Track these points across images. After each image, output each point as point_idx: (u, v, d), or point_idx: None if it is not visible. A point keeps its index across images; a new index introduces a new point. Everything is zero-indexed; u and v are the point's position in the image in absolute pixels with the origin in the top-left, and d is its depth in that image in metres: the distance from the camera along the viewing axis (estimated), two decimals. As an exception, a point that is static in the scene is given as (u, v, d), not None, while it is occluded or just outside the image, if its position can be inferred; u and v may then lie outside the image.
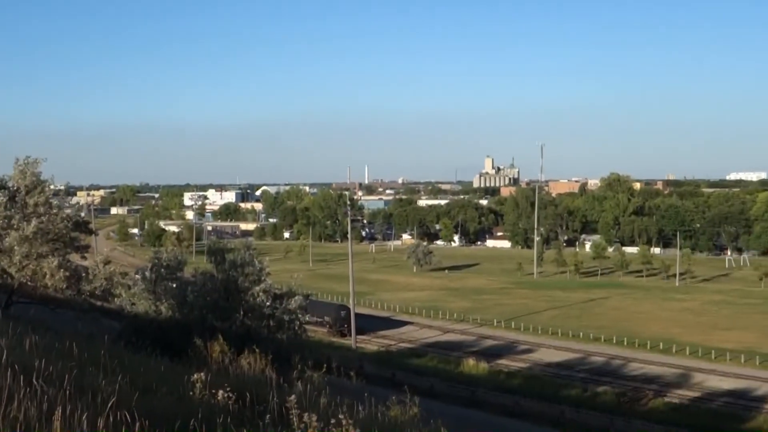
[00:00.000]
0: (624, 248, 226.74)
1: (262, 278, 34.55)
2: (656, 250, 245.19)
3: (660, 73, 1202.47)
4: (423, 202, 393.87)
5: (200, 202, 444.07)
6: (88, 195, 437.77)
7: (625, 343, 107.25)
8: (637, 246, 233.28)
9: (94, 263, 36.62)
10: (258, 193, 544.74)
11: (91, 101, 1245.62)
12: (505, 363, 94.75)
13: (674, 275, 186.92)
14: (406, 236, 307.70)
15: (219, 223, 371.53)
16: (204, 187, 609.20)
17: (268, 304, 33.71)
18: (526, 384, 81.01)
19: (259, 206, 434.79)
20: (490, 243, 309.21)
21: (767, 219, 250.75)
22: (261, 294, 33.56)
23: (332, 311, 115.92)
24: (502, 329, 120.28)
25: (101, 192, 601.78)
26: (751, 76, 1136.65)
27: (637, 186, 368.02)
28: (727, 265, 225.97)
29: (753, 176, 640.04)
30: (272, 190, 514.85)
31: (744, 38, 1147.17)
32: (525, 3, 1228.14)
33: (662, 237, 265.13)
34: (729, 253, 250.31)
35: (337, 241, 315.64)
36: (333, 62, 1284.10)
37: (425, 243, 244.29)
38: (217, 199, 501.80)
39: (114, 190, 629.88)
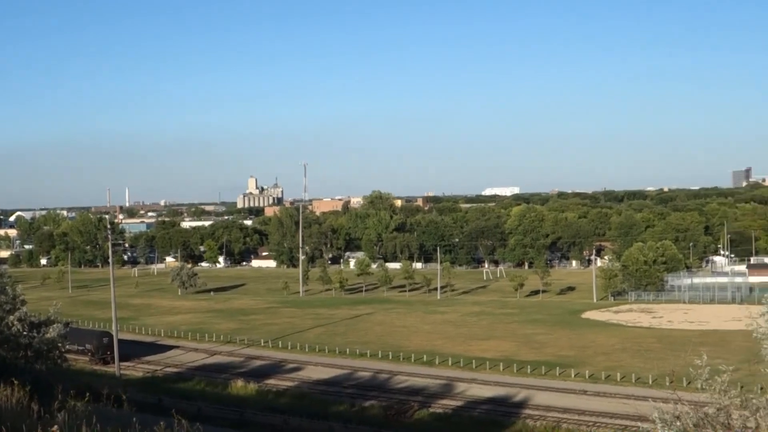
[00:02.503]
0: (387, 264, 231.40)
1: (17, 307, 33.12)
2: (418, 265, 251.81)
3: (416, 92, 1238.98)
4: (186, 224, 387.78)
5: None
6: None
7: (391, 357, 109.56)
8: (399, 261, 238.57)
9: None
10: (12, 218, 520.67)
11: None
12: (274, 382, 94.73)
13: (436, 289, 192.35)
14: (169, 259, 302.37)
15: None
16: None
17: (24, 333, 32.35)
18: (294, 402, 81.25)
19: (13, 232, 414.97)
20: (256, 263, 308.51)
21: (521, 232, 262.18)
22: (16, 323, 32.16)
23: (94, 338, 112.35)
24: (269, 349, 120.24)
25: None
26: (500, 97, 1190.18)
27: (399, 203, 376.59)
28: (485, 277, 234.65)
29: (507, 191, 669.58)
30: (27, 215, 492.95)
31: (492, 60, 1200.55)
32: (284, 22, 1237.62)
33: (423, 252, 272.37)
34: (486, 265, 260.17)
35: (98, 266, 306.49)
36: (89, 83, 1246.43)
37: (189, 265, 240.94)
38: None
39: None
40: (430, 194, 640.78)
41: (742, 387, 18.74)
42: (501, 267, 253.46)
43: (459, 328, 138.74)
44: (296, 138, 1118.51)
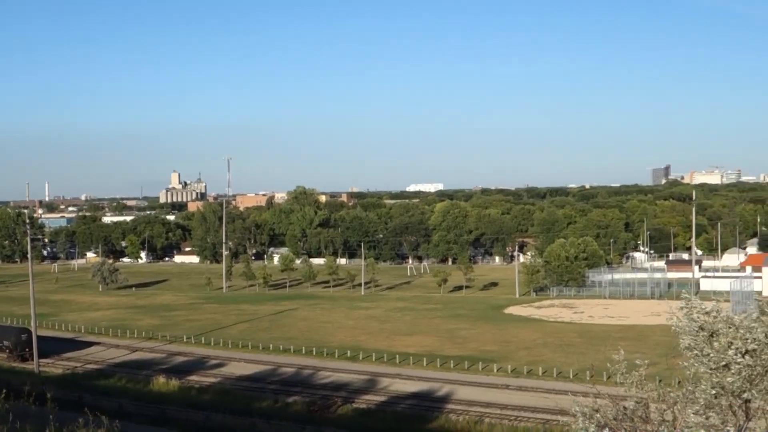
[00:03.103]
0: (311, 260, 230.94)
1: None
2: (342, 261, 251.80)
3: (341, 88, 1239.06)
4: (108, 219, 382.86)
5: None
6: None
7: (314, 353, 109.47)
8: (324, 257, 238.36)
9: None
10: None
11: None
12: (197, 379, 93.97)
13: (360, 284, 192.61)
14: (90, 254, 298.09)
15: None
16: None
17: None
18: (217, 399, 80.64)
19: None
20: (179, 258, 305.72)
21: (444, 228, 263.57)
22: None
23: (12, 335, 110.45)
24: (192, 345, 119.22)
25: None
26: (424, 94, 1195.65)
27: (323, 199, 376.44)
28: (408, 273, 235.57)
29: (431, 188, 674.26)
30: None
31: (418, 57, 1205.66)
32: (207, 20, 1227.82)
33: (348, 248, 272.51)
34: (410, 261, 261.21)
35: (17, 261, 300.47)
36: (6, 77, 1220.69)
37: (111, 261, 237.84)
38: None
39: None
40: (355, 190, 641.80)
41: (660, 381, 19.12)
42: (425, 263, 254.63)
43: (383, 324, 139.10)
44: (220, 133, 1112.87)
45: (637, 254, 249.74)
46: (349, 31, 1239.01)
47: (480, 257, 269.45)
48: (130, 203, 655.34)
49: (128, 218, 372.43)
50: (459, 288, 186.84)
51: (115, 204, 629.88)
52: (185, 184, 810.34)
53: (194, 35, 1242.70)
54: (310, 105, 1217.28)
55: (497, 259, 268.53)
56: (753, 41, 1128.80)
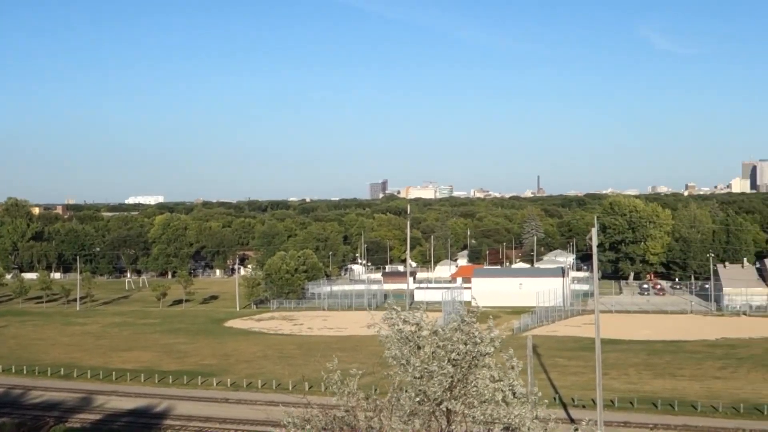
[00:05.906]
0: (23, 274, 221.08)
1: None
2: (57, 275, 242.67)
3: (54, 95, 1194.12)
4: None
5: None
6: None
7: (25, 372, 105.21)
8: (37, 272, 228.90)
9: None
10: None
11: None
12: None
13: (75, 299, 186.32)
14: None
15: None
16: None
17: None
18: None
19: None
20: None
21: (164, 241, 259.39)
22: None
23: None
24: None
25: None
26: (146, 105, 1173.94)
27: (36, 211, 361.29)
28: (127, 287, 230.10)
29: (151, 200, 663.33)
30: None
31: (133, 69, 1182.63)
32: None
33: (63, 262, 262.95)
34: (129, 275, 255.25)
35: None
36: None
37: None
38: None
39: None
40: (71, 202, 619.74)
41: (376, 390, 19.88)
42: (144, 276, 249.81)
43: (99, 340, 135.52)
44: None
45: (355, 266, 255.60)
46: (69, 37, 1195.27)
47: (200, 270, 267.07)
48: None
49: None
50: (179, 302, 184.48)
51: None
52: None
53: None
54: (21, 112, 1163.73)
55: (218, 272, 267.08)
56: (464, 62, 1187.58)
